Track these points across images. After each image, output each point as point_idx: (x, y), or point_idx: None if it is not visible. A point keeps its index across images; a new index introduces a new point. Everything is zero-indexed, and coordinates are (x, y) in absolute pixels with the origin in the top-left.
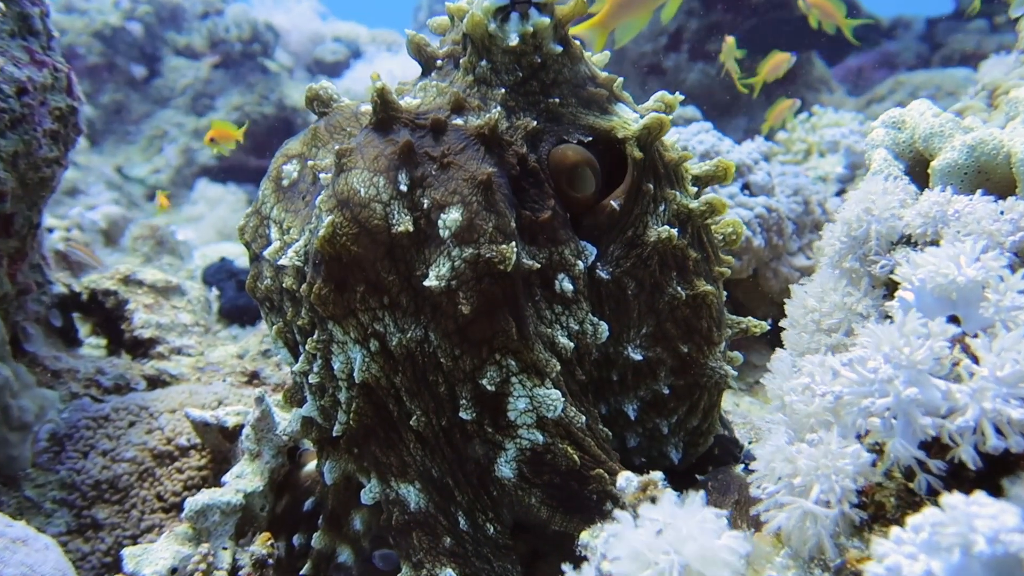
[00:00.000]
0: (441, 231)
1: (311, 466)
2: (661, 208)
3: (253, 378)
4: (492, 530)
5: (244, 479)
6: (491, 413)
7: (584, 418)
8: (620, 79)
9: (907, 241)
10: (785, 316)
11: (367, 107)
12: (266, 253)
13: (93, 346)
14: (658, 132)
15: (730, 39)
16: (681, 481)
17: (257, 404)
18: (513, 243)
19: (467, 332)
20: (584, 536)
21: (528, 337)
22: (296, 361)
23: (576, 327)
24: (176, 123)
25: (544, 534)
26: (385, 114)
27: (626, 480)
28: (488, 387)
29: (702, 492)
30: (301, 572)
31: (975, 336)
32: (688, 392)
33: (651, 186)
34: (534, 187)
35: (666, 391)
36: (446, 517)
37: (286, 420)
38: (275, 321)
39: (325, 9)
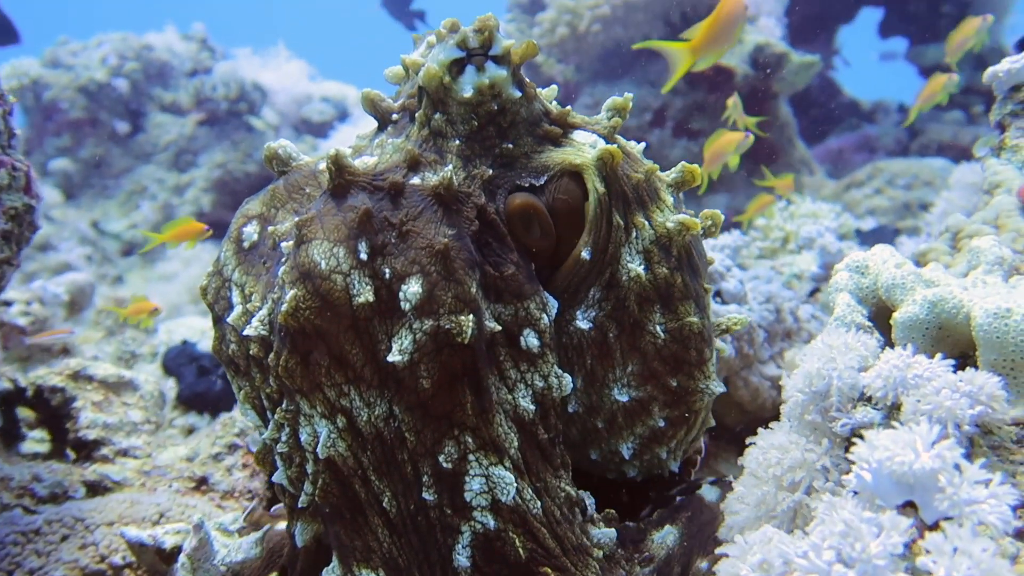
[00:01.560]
0: (402, 303)
1: None
2: (634, 236)
3: (201, 484)
4: None
5: None
6: (450, 493)
7: (540, 503)
8: (569, 108)
9: (868, 400)
10: (754, 426)
11: (324, 166)
12: (229, 319)
13: (37, 440)
14: (612, 160)
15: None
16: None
17: (195, 532)
18: (471, 315)
19: (429, 406)
20: None
21: (487, 410)
22: (265, 426)
23: (541, 383)
24: (157, 179)
25: None
26: (341, 179)
27: None
28: (445, 464)
29: None
30: None
31: (932, 527)
32: (684, 419)
33: (620, 219)
34: (495, 240)
35: (662, 424)
36: None
37: (226, 548)
38: (242, 385)
39: (314, 70)
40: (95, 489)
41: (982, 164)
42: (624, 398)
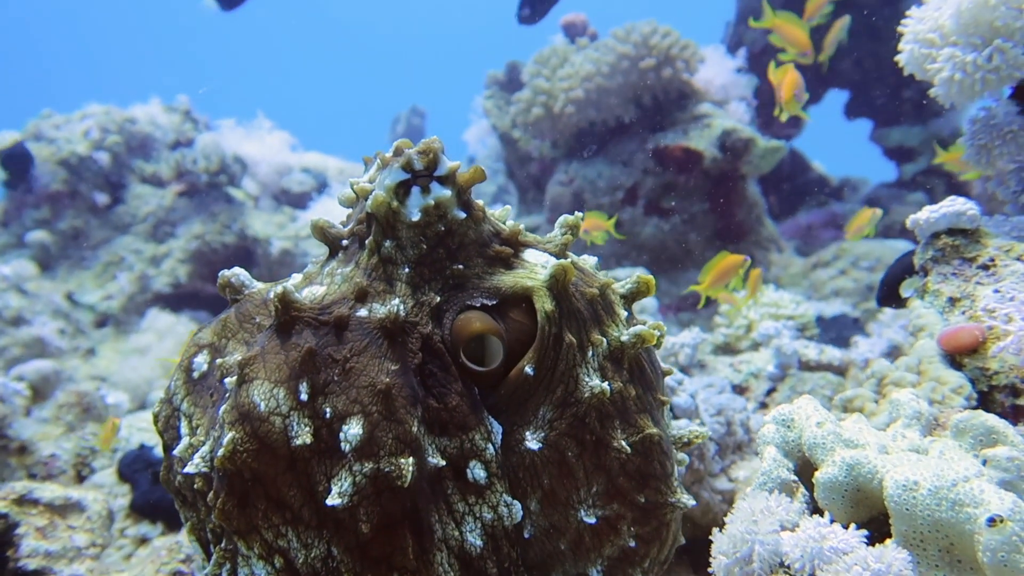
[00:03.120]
0: (343, 445)
1: None
2: (590, 355)
3: None
4: None
5: None
6: None
7: None
8: (521, 227)
9: (788, 571)
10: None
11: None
12: (176, 452)
13: None
14: (565, 277)
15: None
16: None
17: None
18: (411, 458)
19: (367, 549)
20: None
21: (428, 552)
22: (208, 559)
23: (490, 515)
24: (134, 249)
25: None
26: (287, 316)
27: None
28: None
29: None
30: None
31: None
32: (656, 534)
33: (572, 338)
34: (440, 369)
35: (632, 544)
36: None
37: None
38: (188, 517)
39: (296, 140)
40: None
41: (909, 304)
42: (592, 520)
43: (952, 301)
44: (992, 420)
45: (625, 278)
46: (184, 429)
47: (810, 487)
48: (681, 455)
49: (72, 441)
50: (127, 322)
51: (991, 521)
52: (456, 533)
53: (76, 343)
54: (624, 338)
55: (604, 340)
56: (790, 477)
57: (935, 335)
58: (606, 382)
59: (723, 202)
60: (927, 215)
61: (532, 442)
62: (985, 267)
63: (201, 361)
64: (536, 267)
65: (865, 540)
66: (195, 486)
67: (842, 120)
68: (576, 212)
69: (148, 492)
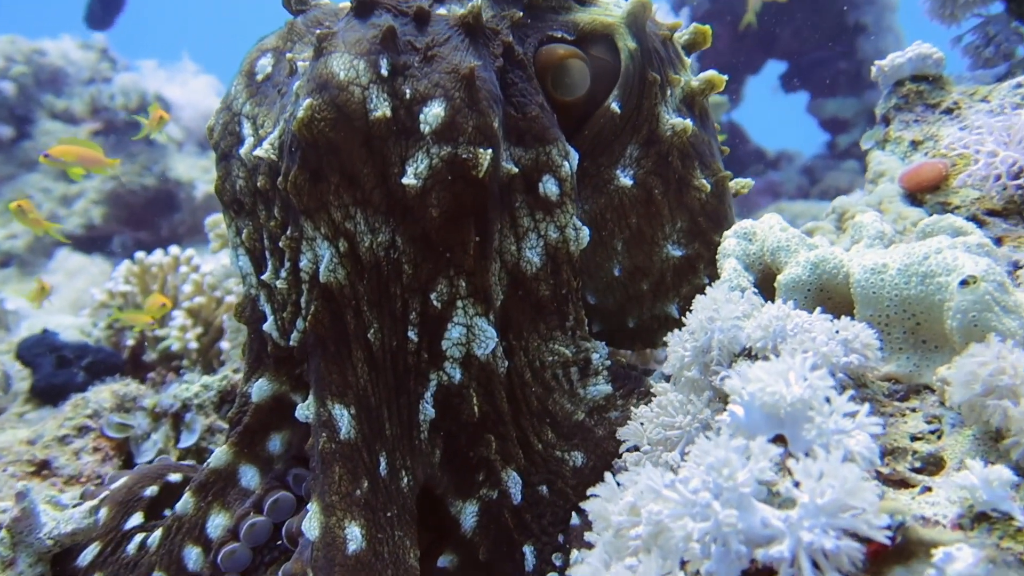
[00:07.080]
0: (422, 126)
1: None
2: (669, 94)
3: (43, 468)
4: (405, 482)
5: None
6: (430, 337)
7: (508, 364)
8: None
9: (748, 354)
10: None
11: (347, 3)
12: (242, 151)
13: None
14: (643, 14)
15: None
16: None
17: (18, 500)
18: (490, 150)
19: (432, 239)
20: None
21: (487, 256)
22: (260, 272)
23: (556, 234)
24: (42, 188)
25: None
26: None
27: None
28: (435, 303)
29: None
30: (176, 507)
31: (799, 459)
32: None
33: (656, 74)
34: (522, 81)
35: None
36: (369, 455)
37: (55, 521)
38: (243, 227)
39: (222, 86)
40: None
41: (868, 157)
42: (679, 252)
43: (914, 144)
44: (959, 221)
45: None
46: (247, 130)
47: (769, 300)
48: (746, 180)
49: None
50: (33, 263)
51: (963, 283)
52: (513, 248)
53: None
54: (695, 83)
55: (680, 78)
56: (750, 288)
57: (895, 179)
58: (687, 118)
59: None
60: (891, 60)
61: (625, 178)
62: (949, 111)
63: (265, 63)
64: (609, 5)
65: (830, 320)
66: (258, 185)
67: (778, 94)
68: None
69: (51, 375)
